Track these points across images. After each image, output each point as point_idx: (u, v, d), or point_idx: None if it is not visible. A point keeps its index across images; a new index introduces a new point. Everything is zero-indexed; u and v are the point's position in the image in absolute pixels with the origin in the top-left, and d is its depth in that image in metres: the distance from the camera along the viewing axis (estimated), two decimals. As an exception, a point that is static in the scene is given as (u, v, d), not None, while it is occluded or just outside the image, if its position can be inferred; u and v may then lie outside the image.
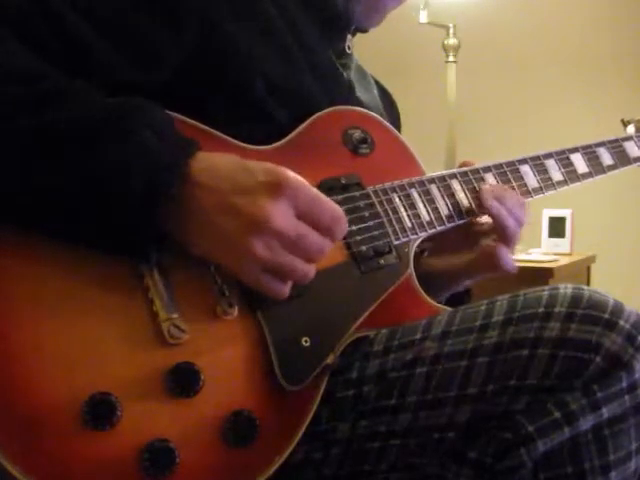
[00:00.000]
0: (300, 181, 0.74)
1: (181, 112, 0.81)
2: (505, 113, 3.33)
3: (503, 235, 1.00)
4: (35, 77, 0.74)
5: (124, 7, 0.83)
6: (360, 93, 1.09)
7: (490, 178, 1.06)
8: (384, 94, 1.21)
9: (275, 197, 0.72)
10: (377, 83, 1.21)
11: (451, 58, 2.78)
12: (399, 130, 1.16)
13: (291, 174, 0.73)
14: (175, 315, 0.74)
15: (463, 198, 1.02)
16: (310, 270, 0.76)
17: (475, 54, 3.07)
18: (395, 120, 1.18)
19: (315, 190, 0.76)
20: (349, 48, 1.09)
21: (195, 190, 0.72)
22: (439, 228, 0.98)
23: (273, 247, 0.72)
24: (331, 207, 0.76)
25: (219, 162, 0.75)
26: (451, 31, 2.78)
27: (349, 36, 1.08)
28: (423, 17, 2.72)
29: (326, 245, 0.76)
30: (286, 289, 0.76)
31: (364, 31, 1.12)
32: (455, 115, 2.78)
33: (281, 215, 0.72)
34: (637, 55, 3.19)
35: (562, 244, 2.66)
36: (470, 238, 1.03)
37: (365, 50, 1.18)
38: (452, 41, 2.77)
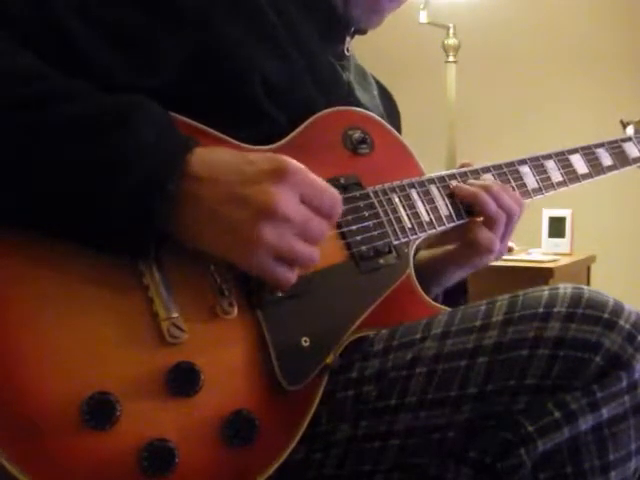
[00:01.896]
0: (301, 167, 0.75)
1: (179, 113, 0.81)
2: (505, 113, 3.33)
3: (485, 216, 0.99)
4: (35, 76, 0.74)
5: (123, 9, 0.83)
6: (359, 94, 1.09)
7: (489, 179, 1.06)
8: (384, 94, 1.21)
9: (279, 183, 0.72)
10: (378, 83, 1.21)
11: (451, 58, 2.78)
12: (399, 130, 1.16)
13: (292, 161, 0.74)
14: (175, 314, 0.74)
15: None
16: (315, 253, 0.76)
17: (475, 54, 3.07)
18: (395, 120, 1.18)
19: (314, 175, 0.76)
20: (348, 50, 1.09)
21: (194, 185, 0.72)
22: (439, 228, 0.98)
23: (282, 232, 0.73)
24: (330, 191, 0.77)
25: (219, 156, 0.75)
26: (451, 31, 2.78)
27: (348, 38, 1.08)
28: (423, 17, 2.73)
29: (326, 228, 0.77)
30: (294, 276, 0.77)
31: (363, 32, 1.12)
32: (455, 115, 2.78)
33: (287, 200, 0.72)
34: (637, 54, 3.19)
35: (562, 244, 2.66)
36: (465, 236, 1.03)
37: (365, 50, 1.18)
38: (452, 41, 2.78)
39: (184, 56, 0.85)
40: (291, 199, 0.73)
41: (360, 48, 1.17)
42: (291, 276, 0.76)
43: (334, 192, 0.78)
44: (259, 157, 0.75)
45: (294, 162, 0.74)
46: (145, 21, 0.83)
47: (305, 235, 0.75)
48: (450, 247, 1.04)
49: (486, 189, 1.00)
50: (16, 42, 0.77)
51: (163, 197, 0.70)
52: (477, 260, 1.03)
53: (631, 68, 3.18)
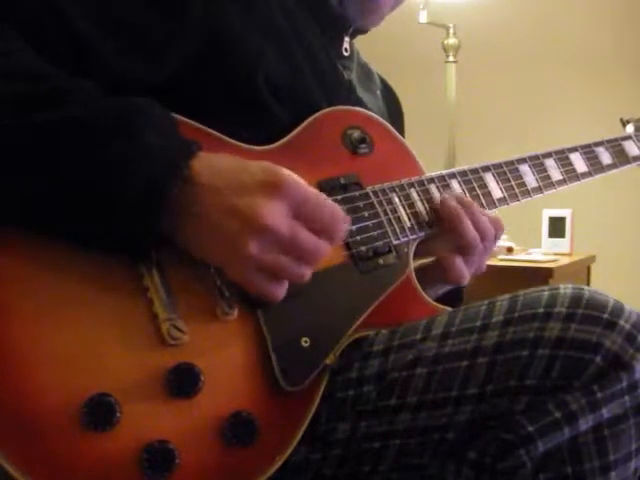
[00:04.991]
0: (297, 181, 0.73)
1: (182, 110, 0.81)
2: (505, 113, 3.33)
3: (460, 244, 0.97)
4: (38, 76, 0.73)
5: (127, 2, 0.83)
6: (361, 94, 1.09)
7: (489, 178, 1.06)
8: (389, 94, 1.20)
9: (270, 196, 0.71)
10: (383, 82, 1.21)
11: (451, 58, 2.78)
12: (402, 130, 1.16)
13: (288, 173, 0.73)
14: (174, 316, 0.74)
15: None
16: (305, 272, 0.75)
17: (475, 54, 3.07)
18: (398, 120, 1.17)
19: (314, 190, 0.75)
20: (346, 50, 1.09)
21: (195, 191, 0.72)
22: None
23: (267, 246, 0.72)
24: (331, 208, 0.76)
25: (220, 162, 0.74)
26: (451, 31, 2.78)
27: (346, 38, 1.08)
28: (423, 17, 2.73)
29: (323, 247, 0.75)
30: (281, 291, 0.76)
31: (363, 32, 1.12)
32: (455, 115, 2.78)
33: (275, 214, 0.71)
34: (637, 54, 3.19)
35: (562, 244, 2.66)
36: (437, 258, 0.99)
37: (365, 50, 1.18)
38: (452, 41, 2.78)
39: (188, 51, 0.85)
40: (279, 212, 0.71)
41: (360, 48, 1.17)
42: (276, 290, 0.75)
43: (336, 209, 0.76)
44: (256, 167, 0.74)
45: (290, 175, 0.73)
46: (149, 16, 0.83)
47: (294, 251, 0.73)
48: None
49: (467, 210, 0.97)
50: (20, 39, 0.76)
51: (165, 201, 0.70)
52: (440, 285, 1.00)
53: (631, 68, 3.18)
